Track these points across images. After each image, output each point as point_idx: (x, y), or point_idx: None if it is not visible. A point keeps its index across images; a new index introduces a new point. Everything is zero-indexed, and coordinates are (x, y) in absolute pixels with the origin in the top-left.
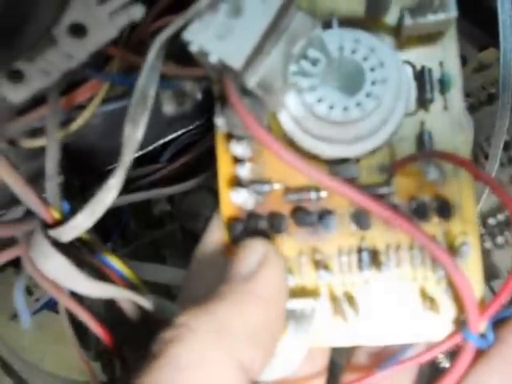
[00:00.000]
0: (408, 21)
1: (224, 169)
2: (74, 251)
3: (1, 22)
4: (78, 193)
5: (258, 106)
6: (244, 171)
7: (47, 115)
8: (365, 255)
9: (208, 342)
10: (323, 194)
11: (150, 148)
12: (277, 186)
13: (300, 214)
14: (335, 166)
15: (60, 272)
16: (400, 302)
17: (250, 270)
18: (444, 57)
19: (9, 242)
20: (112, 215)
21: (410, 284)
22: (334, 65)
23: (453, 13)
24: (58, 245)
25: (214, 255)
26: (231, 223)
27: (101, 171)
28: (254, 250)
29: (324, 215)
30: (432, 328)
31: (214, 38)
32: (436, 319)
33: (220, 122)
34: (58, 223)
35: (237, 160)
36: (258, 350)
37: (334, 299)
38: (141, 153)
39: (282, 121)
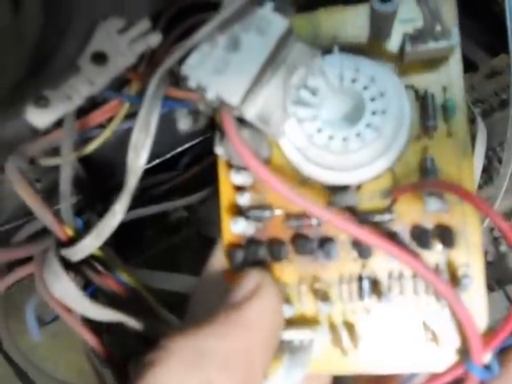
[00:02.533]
0: (409, 47)
1: (225, 196)
2: (86, 269)
3: (31, 55)
4: (98, 202)
5: (257, 136)
6: (244, 200)
7: (62, 139)
8: (365, 283)
9: (186, 366)
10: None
11: (168, 156)
12: (277, 212)
13: (300, 241)
14: (336, 192)
15: (65, 292)
16: (401, 331)
17: (241, 299)
18: (448, 82)
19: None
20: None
21: (412, 313)
22: (334, 94)
23: (455, 40)
24: (69, 264)
25: (218, 281)
26: (231, 251)
27: (119, 180)
28: (248, 279)
29: (325, 242)
30: (434, 358)
31: (212, 73)
32: (438, 349)
33: (220, 151)
34: (71, 240)
35: (237, 188)
36: (234, 378)
37: (333, 328)
38: (158, 161)
39: (283, 148)
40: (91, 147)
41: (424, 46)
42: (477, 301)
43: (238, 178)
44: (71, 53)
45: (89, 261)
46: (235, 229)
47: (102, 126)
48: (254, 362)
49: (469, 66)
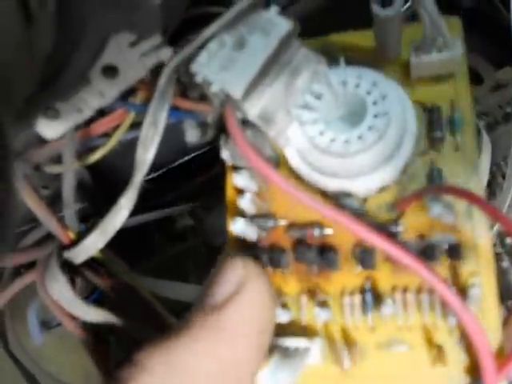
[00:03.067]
0: (414, 59)
1: (230, 199)
2: (91, 274)
3: (44, 68)
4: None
5: (260, 138)
6: (245, 203)
7: (64, 148)
8: (368, 297)
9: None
10: (327, 231)
11: (175, 165)
12: (281, 222)
13: (302, 250)
14: (341, 201)
15: (62, 294)
16: (404, 349)
17: (220, 298)
18: (455, 96)
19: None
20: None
21: (416, 330)
22: (337, 99)
23: (458, 51)
24: (71, 267)
25: None
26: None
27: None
28: (229, 272)
29: (327, 252)
30: (439, 381)
31: (218, 69)
32: (444, 371)
33: (225, 154)
34: (75, 243)
35: (240, 191)
36: None
37: (332, 341)
38: (164, 170)
39: (288, 155)
40: (96, 156)
41: (428, 57)
42: (489, 315)
43: (240, 181)
44: (83, 66)
45: (94, 265)
46: (235, 229)
47: (107, 135)
48: (241, 375)
49: (473, 79)
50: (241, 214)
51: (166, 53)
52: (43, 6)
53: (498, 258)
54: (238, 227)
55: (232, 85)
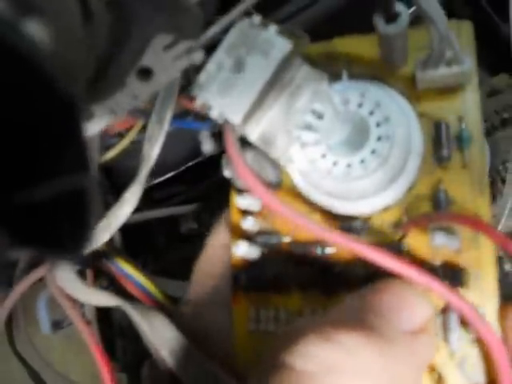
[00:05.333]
0: (420, 74)
1: (234, 219)
2: (94, 261)
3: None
4: None
5: (261, 158)
6: (248, 224)
7: (90, 146)
8: None
9: None
10: (329, 249)
11: (182, 168)
12: (284, 239)
13: (304, 269)
14: (344, 222)
15: (66, 280)
16: None
17: (413, 327)
18: (464, 111)
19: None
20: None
21: None
22: (339, 119)
23: (468, 65)
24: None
25: (219, 256)
26: (235, 272)
27: None
28: (420, 309)
29: (328, 272)
30: None
31: (217, 93)
32: None
33: (228, 173)
34: None
35: (243, 212)
36: None
37: None
38: (173, 173)
39: (290, 174)
40: (109, 155)
41: (434, 72)
42: None
43: (244, 202)
44: (124, 69)
45: (96, 254)
46: (237, 252)
47: (120, 135)
48: None
49: None
50: (244, 234)
51: (198, 56)
52: (100, 3)
53: (500, 261)
54: (240, 250)
55: (231, 111)
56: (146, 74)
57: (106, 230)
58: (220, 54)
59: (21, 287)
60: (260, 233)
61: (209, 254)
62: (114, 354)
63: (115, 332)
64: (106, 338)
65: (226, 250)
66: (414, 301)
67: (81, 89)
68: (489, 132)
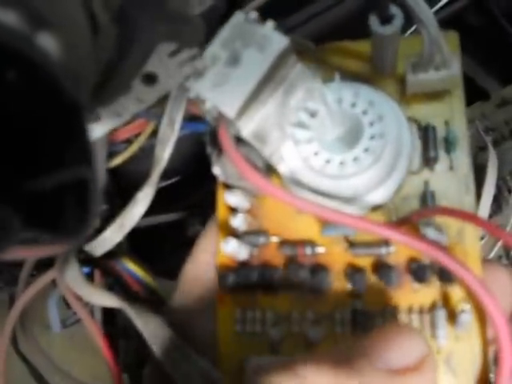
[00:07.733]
0: (410, 77)
1: (221, 217)
2: (102, 261)
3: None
4: None
5: (254, 157)
6: (237, 222)
7: (96, 150)
8: (360, 316)
9: None
10: (319, 249)
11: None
12: (273, 239)
13: (293, 269)
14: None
15: (74, 279)
16: None
17: (401, 365)
18: (450, 116)
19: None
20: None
21: None
22: (332, 117)
23: (455, 71)
24: (90, 257)
25: (203, 272)
26: (222, 272)
27: None
28: (413, 347)
29: (318, 271)
30: None
31: (211, 86)
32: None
33: (217, 170)
34: (92, 237)
35: (232, 210)
36: None
37: None
38: (180, 177)
39: (282, 174)
40: (117, 161)
41: (425, 75)
42: (474, 342)
43: (233, 200)
44: (129, 76)
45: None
46: (226, 249)
47: (128, 141)
48: None
49: (480, 95)
50: (232, 232)
51: (201, 64)
52: (107, 16)
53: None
54: (229, 247)
55: (226, 104)
56: (151, 79)
57: (119, 230)
58: (215, 47)
59: (33, 289)
60: (248, 232)
61: (196, 257)
62: (117, 355)
63: (119, 333)
64: (110, 339)
65: (214, 253)
66: (405, 341)
67: (87, 94)
68: (497, 142)
